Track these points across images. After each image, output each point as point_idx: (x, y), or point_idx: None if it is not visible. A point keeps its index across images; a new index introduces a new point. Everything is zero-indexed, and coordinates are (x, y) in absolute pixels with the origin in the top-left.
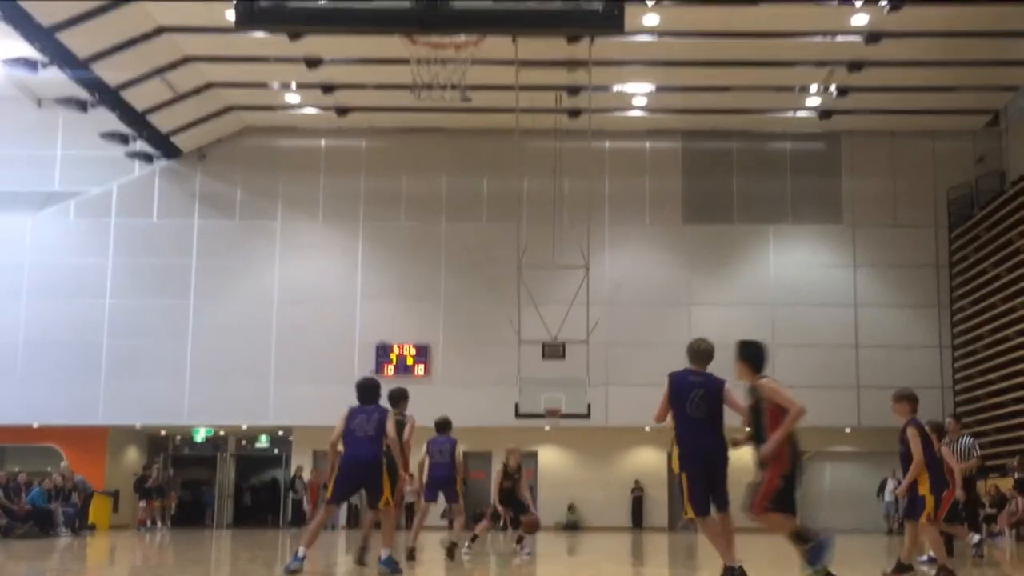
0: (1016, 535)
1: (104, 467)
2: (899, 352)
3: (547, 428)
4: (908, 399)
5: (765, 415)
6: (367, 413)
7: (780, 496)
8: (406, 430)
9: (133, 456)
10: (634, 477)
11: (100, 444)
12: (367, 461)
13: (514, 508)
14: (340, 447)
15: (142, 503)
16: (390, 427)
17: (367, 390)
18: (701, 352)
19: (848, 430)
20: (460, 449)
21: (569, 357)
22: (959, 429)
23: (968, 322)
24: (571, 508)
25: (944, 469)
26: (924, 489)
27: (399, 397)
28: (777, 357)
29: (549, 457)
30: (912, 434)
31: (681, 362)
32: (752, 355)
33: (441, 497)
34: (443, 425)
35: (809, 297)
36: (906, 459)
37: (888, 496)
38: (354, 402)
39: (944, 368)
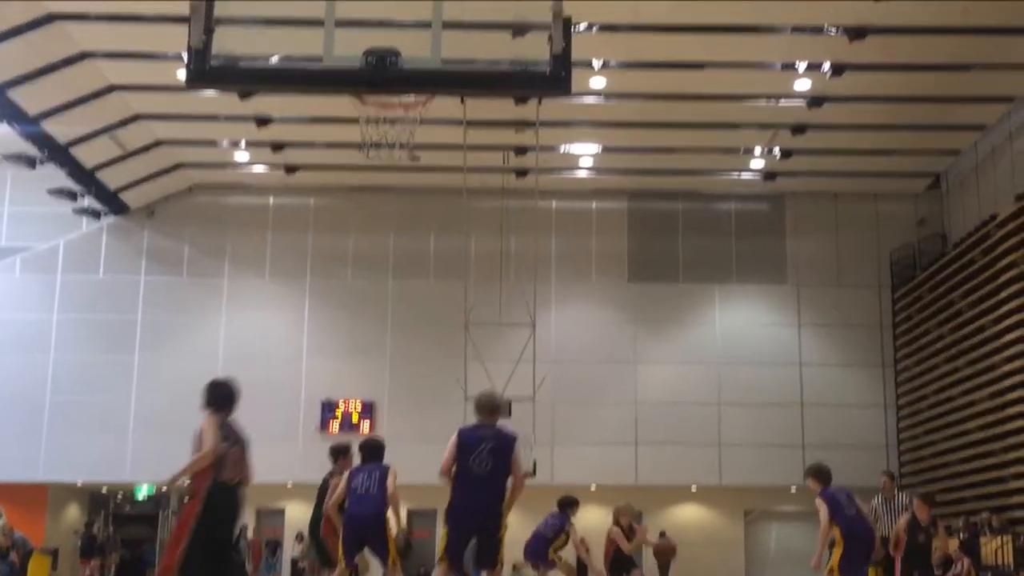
0: None
1: (44, 524)
2: (844, 411)
3: None
4: (811, 474)
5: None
6: (368, 471)
7: (192, 563)
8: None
9: (74, 513)
10: (579, 536)
11: (40, 501)
12: (370, 517)
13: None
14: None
15: (93, 561)
16: (390, 482)
17: (371, 450)
18: (486, 405)
19: (793, 489)
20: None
21: (515, 415)
22: (893, 487)
23: (912, 382)
24: (516, 568)
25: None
26: (837, 552)
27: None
28: (722, 416)
29: None
30: (818, 503)
31: (629, 420)
32: (211, 397)
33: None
34: (563, 504)
35: (754, 356)
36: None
37: None
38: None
39: (889, 427)
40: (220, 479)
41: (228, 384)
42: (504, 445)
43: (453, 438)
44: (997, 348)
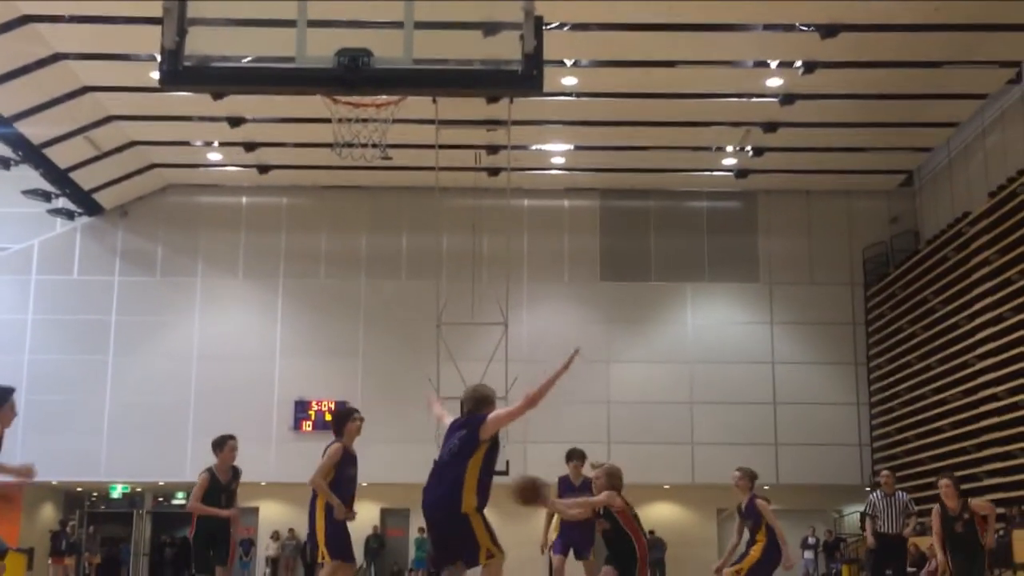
0: None
1: (19, 524)
2: (817, 409)
3: None
4: (750, 476)
5: None
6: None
7: None
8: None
9: (49, 513)
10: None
11: (15, 500)
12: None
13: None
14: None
15: (67, 560)
16: (318, 465)
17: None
18: (469, 397)
19: (767, 487)
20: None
21: None
22: (893, 483)
23: (885, 380)
24: None
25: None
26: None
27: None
28: (695, 414)
29: None
30: (762, 506)
31: (602, 418)
32: None
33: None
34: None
35: (726, 355)
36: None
37: (807, 554)
38: (269, 460)
39: (862, 425)
40: None
41: None
42: (473, 426)
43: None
44: (970, 346)
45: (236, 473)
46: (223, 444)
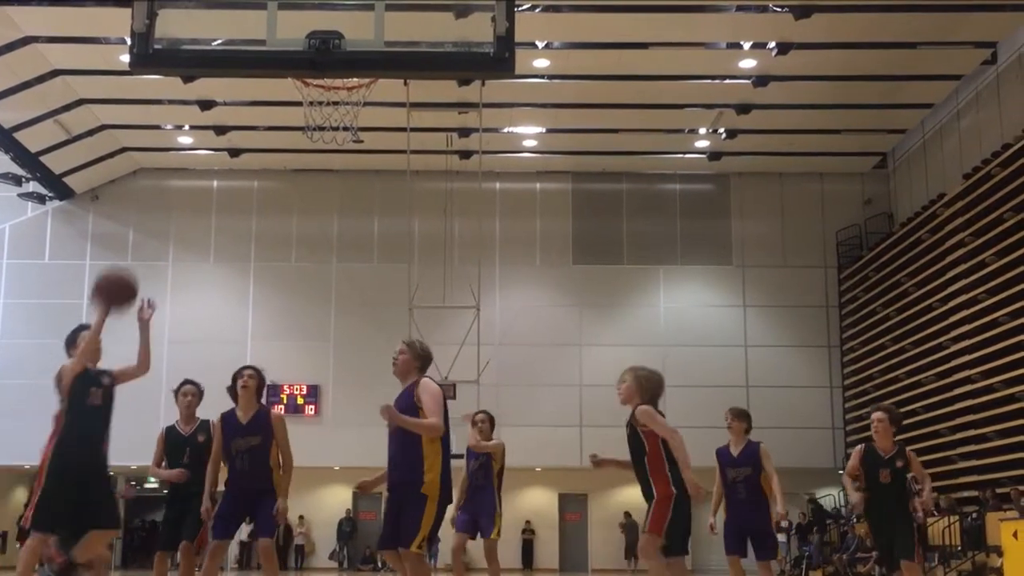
0: None
1: None
2: (790, 392)
3: None
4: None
5: None
6: None
7: None
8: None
9: (21, 497)
10: (524, 518)
11: None
12: None
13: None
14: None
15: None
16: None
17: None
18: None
19: None
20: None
21: (460, 398)
22: None
23: (858, 363)
24: None
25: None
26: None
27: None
28: (668, 397)
29: None
30: (765, 452)
31: (574, 402)
32: None
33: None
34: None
35: (699, 338)
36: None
37: (780, 537)
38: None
39: (835, 408)
40: None
41: None
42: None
43: (440, 396)
44: (944, 328)
45: (204, 425)
46: (176, 392)
